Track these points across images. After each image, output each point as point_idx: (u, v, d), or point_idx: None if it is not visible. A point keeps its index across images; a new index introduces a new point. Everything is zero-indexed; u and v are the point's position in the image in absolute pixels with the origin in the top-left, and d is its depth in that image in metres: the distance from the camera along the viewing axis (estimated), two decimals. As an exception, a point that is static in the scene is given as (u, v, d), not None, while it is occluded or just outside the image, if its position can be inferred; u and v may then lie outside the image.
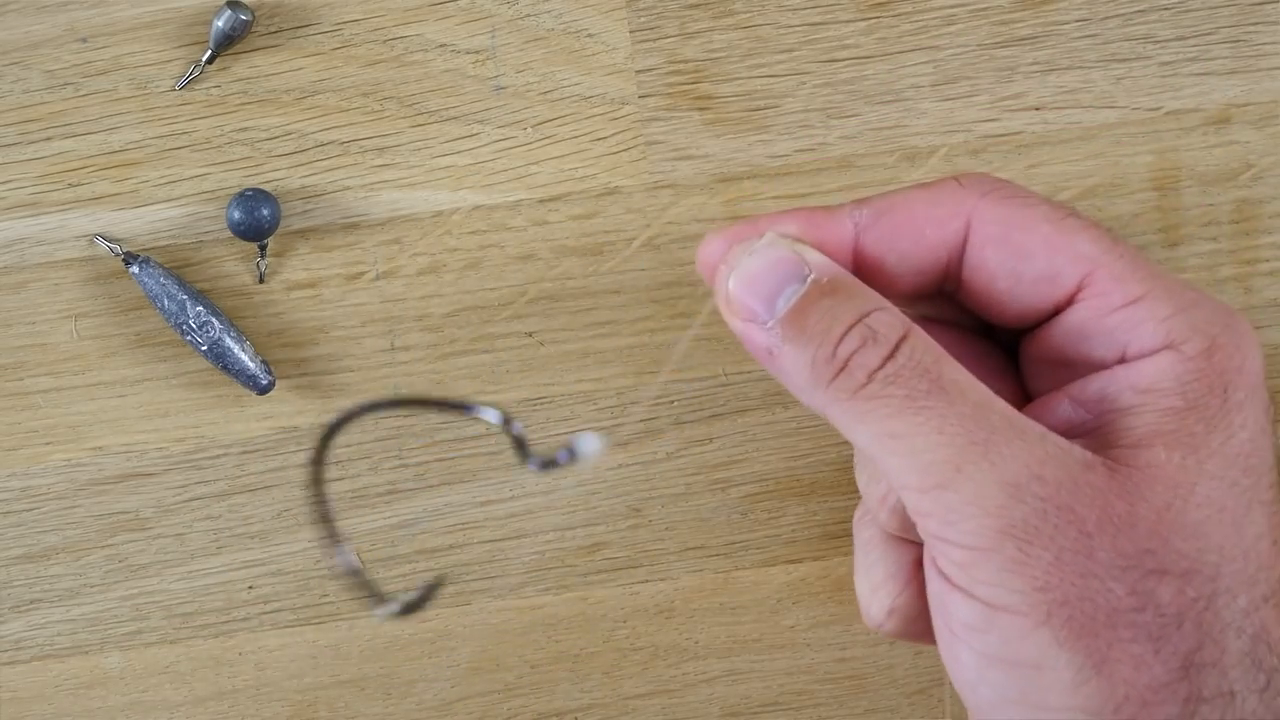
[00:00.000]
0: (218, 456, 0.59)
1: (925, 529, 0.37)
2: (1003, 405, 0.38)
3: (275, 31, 0.57)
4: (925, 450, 0.36)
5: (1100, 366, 0.40)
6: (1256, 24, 0.58)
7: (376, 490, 0.59)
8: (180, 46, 0.57)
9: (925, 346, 0.38)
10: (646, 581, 0.60)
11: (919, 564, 0.42)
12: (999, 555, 0.36)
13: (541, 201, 0.58)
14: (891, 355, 0.37)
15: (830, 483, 0.60)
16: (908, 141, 0.58)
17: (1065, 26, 0.58)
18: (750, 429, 0.60)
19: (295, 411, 0.59)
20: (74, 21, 0.57)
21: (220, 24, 0.56)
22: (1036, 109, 0.58)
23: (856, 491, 0.58)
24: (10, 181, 0.58)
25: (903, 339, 0.38)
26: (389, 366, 0.59)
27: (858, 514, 0.47)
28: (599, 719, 0.61)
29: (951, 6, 0.58)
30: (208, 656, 0.60)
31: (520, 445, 0.41)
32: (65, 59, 0.57)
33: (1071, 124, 0.58)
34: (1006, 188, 0.42)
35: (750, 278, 0.40)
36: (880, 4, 0.58)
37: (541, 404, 0.59)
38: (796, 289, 0.39)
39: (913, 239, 0.41)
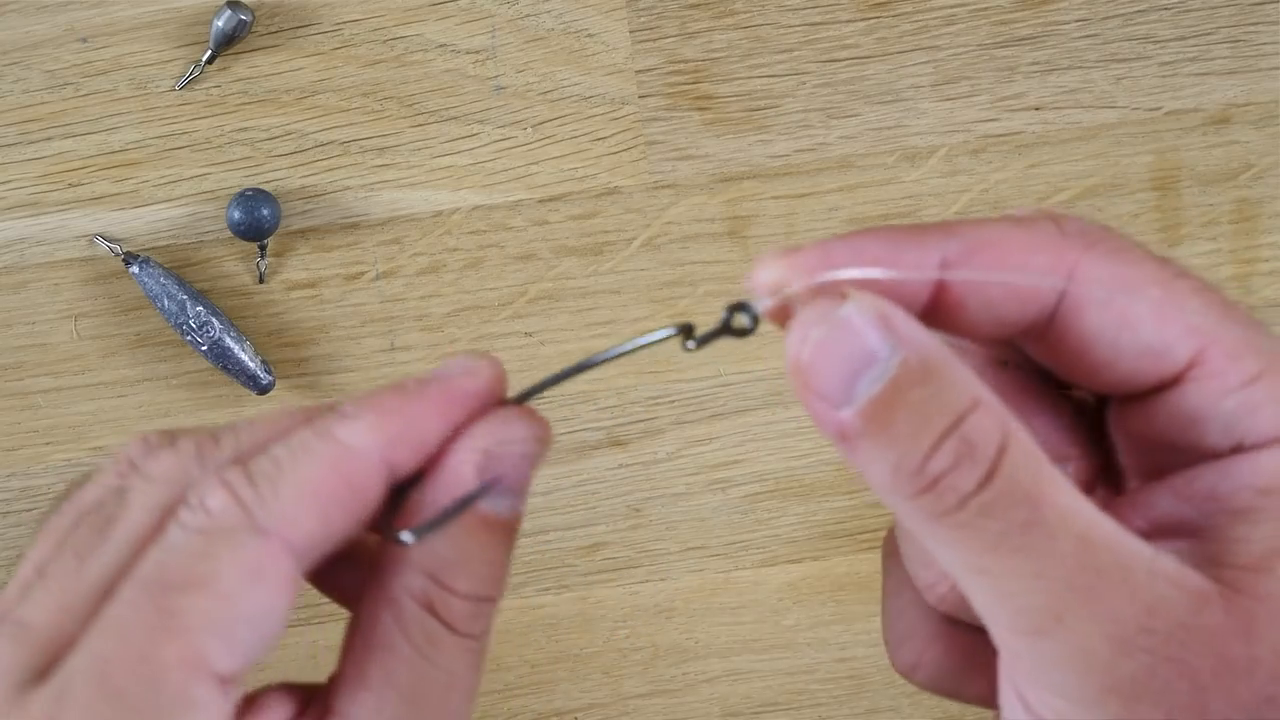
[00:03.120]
0: (218, 456, 0.59)
1: (1014, 670, 0.33)
2: (1107, 534, 0.32)
3: (275, 31, 0.57)
4: (1020, 595, 0.32)
5: (1211, 455, 0.35)
6: (1256, 24, 0.58)
7: (376, 490, 0.59)
8: (180, 46, 0.57)
9: (1026, 459, 0.32)
10: (646, 581, 0.60)
11: (950, 620, 0.38)
12: (1102, 713, 0.32)
13: (541, 201, 0.58)
14: (989, 479, 0.32)
15: (830, 483, 0.60)
16: (908, 141, 0.58)
17: (1065, 26, 0.58)
18: (750, 429, 0.60)
19: (295, 411, 0.59)
20: (74, 21, 0.57)
21: (220, 24, 0.56)
22: (1036, 109, 0.58)
23: (857, 491, 0.58)
24: (10, 181, 0.58)
25: (1002, 452, 0.32)
26: (389, 366, 0.59)
27: (888, 547, 0.41)
28: (599, 719, 0.61)
29: (951, 6, 0.58)
30: (208, 656, 0.60)
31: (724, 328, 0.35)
32: (65, 59, 0.57)
33: (1071, 124, 0.58)
34: (1112, 239, 0.37)
35: (827, 352, 0.33)
36: (880, 4, 0.58)
37: (541, 404, 0.59)
38: (883, 368, 0.33)
39: (1004, 286, 0.35)
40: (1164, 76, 0.58)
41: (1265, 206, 0.59)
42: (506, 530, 0.35)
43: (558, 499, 0.60)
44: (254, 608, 0.34)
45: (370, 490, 0.33)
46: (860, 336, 0.33)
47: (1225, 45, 0.58)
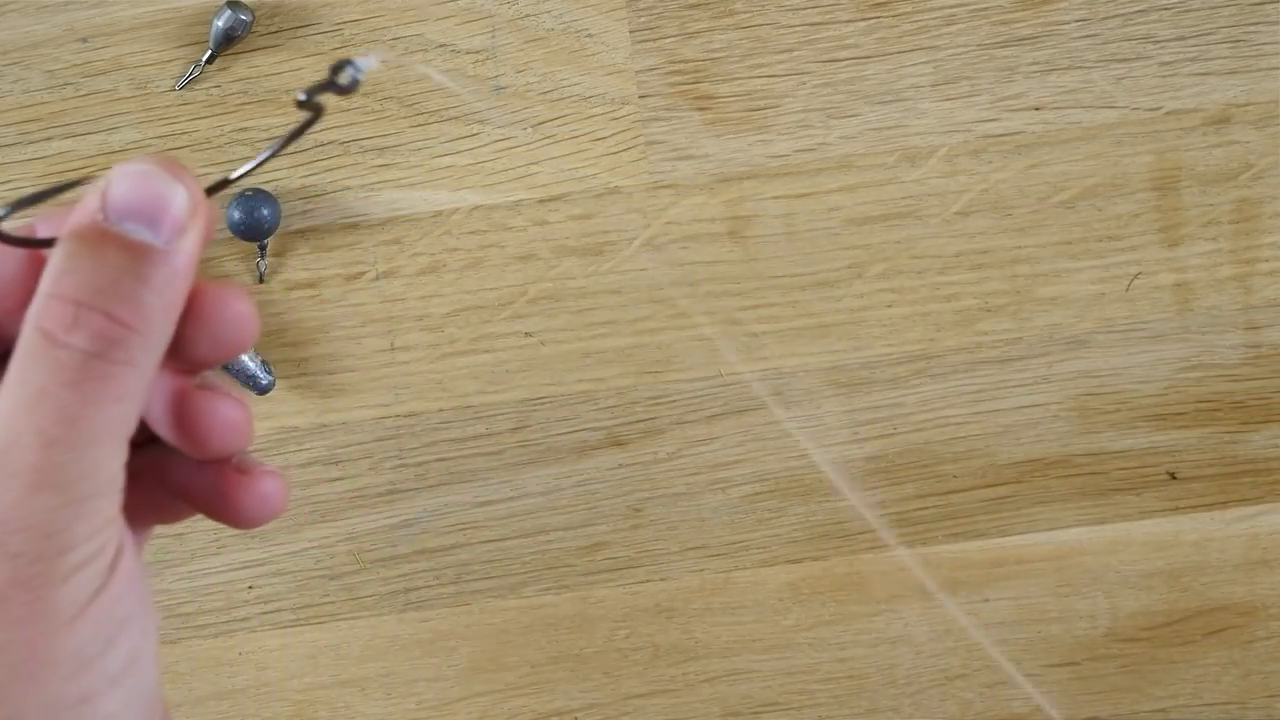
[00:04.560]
0: (218, 456, 0.59)
1: None
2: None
3: (275, 31, 0.57)
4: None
5: None
6: (1256, 24, 0.58)
7: (376, 490, 0.59)
8: (180, 46, 0.57)
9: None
10: (647, 581, 0.60)
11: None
12: None
13: (541, 201, 0.58)
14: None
15: (830, 483, 0.60)
16: (908, 141, 0.58)
17: (1065, 26, 0.58)
18: (750, 429, 0.60)
19: (295, 411, 0.59)
20: (74, 21, 0.57)
21: (220, 24, 0.56)
22: (1036, 109, 0.58)
23: (855, 491, 0.58)
24: (10, 181, 0.58)
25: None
26: (389, 366, 0.59)
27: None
28: (599, 719, 0.61)
29: (951, 6, 0.58)
30: (208, 656, 0.60)
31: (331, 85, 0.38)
32: (65, 59, 0.57)
33: (1071, 124, 0.58)
34: None
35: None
36: (880, 4, 0.58)
37: (541, 404, 0.59)
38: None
39: None
40: (1164, 76, 0.58)
41: (1265, 206, 0.59)
42: (139, 252, 0.35)
43: (558, 499, 0.60)
44: None
45: (8, 253, 0.37)
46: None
47: (1225, 45, 0.58)
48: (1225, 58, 0.58)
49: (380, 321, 0.59)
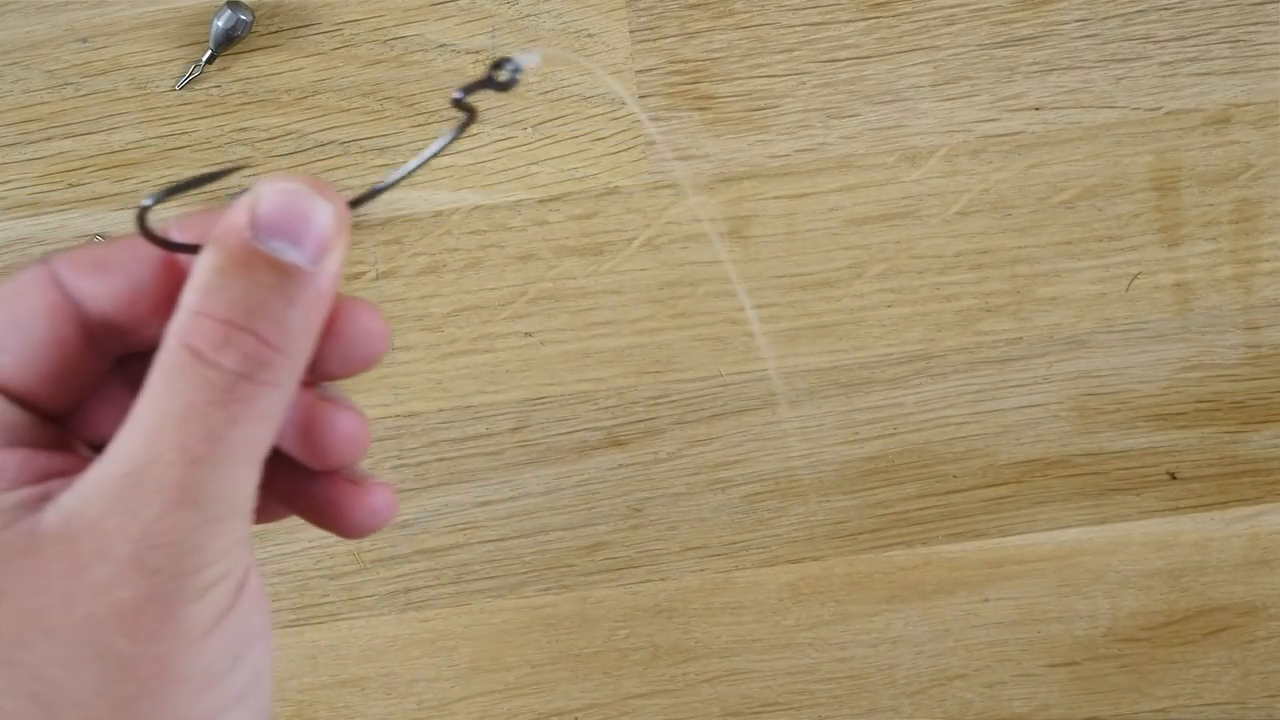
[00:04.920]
0: (218, 456, 0.59)
1: None
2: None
3: (275, 31, 0.57)
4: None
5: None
6: (1256, 24, 0.58)
7: (376, 490, 0.59)
8: (180, 46, 0.57)
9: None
10: (647, 581, 0.60)
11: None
12: None
13: (541, 201, 0.58)
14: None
15: (830, 483, 0.60)
16: (908, 141, 0.58)
17: (1065, 26, 0.58)
18: (750, 429, 0.60)
19: (295, 411, 0.59)
20: (74, 21, 0.57)
21: (220, 24, 0.56)
22: (1036, 109, 0.58)
23: (857, 491, 0.58)
24: (10, 181, 0.58)
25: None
26: (389, 366, 0.59)
27: None
28: (599, 719, 0.61)
29: (951, 6, 0.58)
30: (208, 656, 0.60)
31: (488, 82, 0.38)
32: (65, 59, 0.57)
33: (1071, 124, 0.58)
34: None
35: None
36: (880, 4, 0.58)
37: (541, 404, 0.59)
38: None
39: None
40: (1164, 76, 0.58)
41: (1265, 206, 0.59)
42: (287, 273, 0.35)
43: (558, 499, 0.60)
44: (4, 315, 0.36)
45: (148, 259, 0.37)
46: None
47: (1225, 45, 0.58)
48: (1225, 58, 0.58)
49: (380, 321, 0.59)
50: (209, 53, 0.57)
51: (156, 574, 0.33)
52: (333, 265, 0.36)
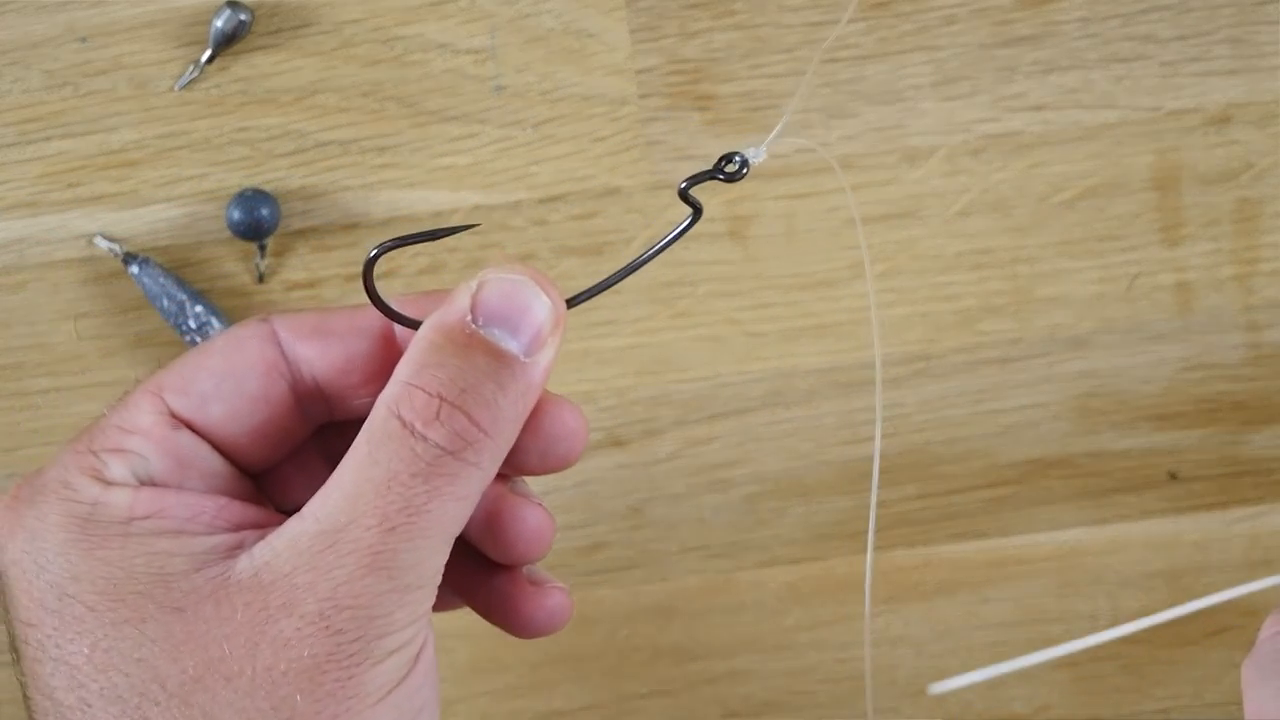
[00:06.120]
0: (217, 457, 0.59)
1: None
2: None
3: (275, 31, 0.57)
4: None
5: None
6: (1256, 24, 0.58)
7: (376, 490, 0.59)
8: (180, 46, 0.57)
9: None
10: (647, 582, 0.60)
11: None
12: None
13: (541, 201, 0.58)
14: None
15: (830, 483, 0.60)
16: (908, 141, 0.58)
17: (1065, 26, 0.58)
18: (750, 429, 0.60)
19: (295, 412, 0.59)
20: (74, 21, 0.57)
21: (220, 24, 0.56)
22: (1037, 109, 0.58)
23: (857, 492, 0.58)
24: (10, 181, 0.58)
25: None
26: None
27: None
28: (599, 719, 0.61)
29: (951, 6, 0.58)
30: (207, 657, 0.60)
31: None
32: (65, 59, 0.57)
33: (1072, 124, 0.58)
34: None
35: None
36: (880, 4, 0.58)
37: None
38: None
39: None
40: (1164, 76, 0.58)
41: (1266, 206, 0.59)
42: (502, 360, 0.36)
43: (558, 499, 0.60)
44: (221, 363, 0.37)
45: (366, 328, 0.38)
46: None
47: (1226, 45, 0.58)
48: (1226, 58, 0.58)
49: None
50: (208, 53, 0.57)
51: (341, 634, 0.33)
52: (546, 359, 0.37)
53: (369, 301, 0.38)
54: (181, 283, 0.57)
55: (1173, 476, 0.60)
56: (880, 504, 0.60)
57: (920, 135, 0.58)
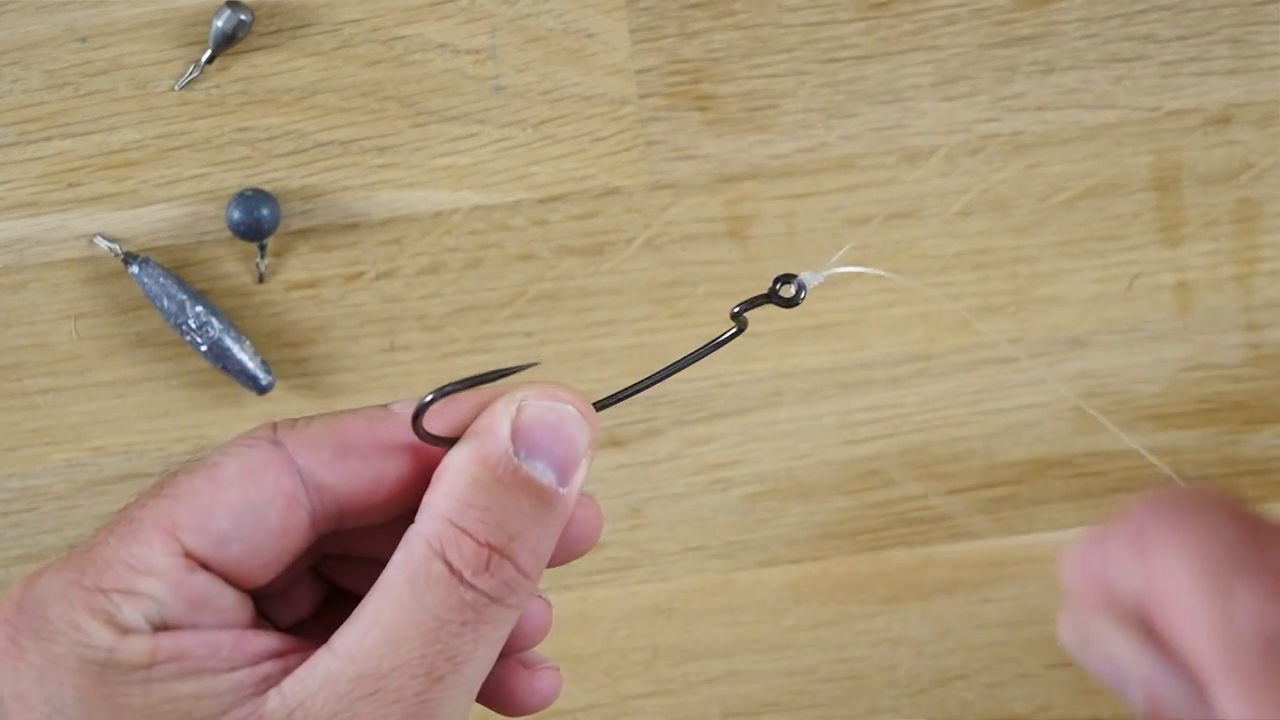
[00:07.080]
0: (217, 457, 0.59)
1: None
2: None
3: (275, 31, 0.57)
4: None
5: None
6: (1256, 24, 0.58)
7: (376, 490, 0.59)
8: (180, 46, 0.57)
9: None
10: (646, 582, 0.60)
11: None
12: None
13: (541, 201, 0.58)
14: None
15: (830, 483, 0.60)
16: (908, 141, 0.58)
17: (1065, 26, 0.58)
18: (750, 429, 0.60)
19: (295, 411, 0.59)
20: (74, 21, 0.57)
21: (220, 24, 0.56)
22: (1037, 109, 0.58)
23: (857, 491, 0.58)
24: (10, 181, 0.58)
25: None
26: (388, 366, 0.59)
27: None
28: (599, 719, 0.61)
29: (951, 6, 0.58)
30: (207, 657, 0.60)
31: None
32: (65, 59, 0.57)
33: (1072, 124, 0.58)
34: None
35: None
36: (880, 4, 0.58)
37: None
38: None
39: None
40: (1164, 76, 0.58)
41: (1265, 206, 0.59)
42: (545, 499, 0.35)
43: (558, 499, 0.60)
44: (239, 498, 0.35)
45: (391, 445, 0.36)
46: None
47: (1226, 45, 0.58)
48: (1225, 58, 0.58)
49: (380, 321, 0.59)
50: (208, 52, 0.57)
51: None
52: (578, 484, 0.36)
53: (386, 405, 0.36)
54: (181, 283, 0.57)
55: (1173, 477, 0.60)
56: (880, 504, 0.60)
57: (920, 135, 0.58)
